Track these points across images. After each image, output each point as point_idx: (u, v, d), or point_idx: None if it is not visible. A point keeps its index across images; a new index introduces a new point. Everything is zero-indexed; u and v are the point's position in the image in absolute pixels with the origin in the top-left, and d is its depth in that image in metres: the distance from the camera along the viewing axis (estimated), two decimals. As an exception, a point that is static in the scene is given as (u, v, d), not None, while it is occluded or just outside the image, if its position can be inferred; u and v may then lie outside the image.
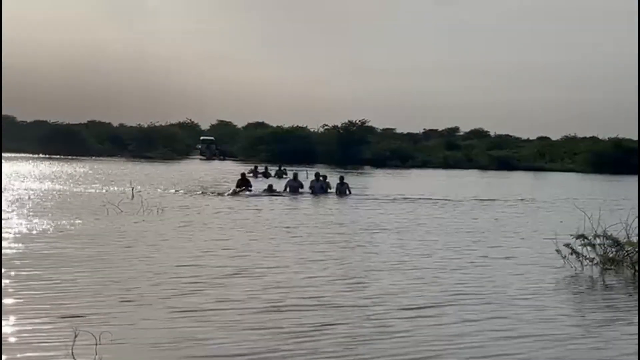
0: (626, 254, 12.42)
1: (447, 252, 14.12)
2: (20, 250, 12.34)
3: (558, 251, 12.46)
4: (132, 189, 23.80)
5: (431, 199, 27.06)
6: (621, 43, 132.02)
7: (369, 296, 9.80)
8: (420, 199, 26.92)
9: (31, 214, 18.14)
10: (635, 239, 12.51)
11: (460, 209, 23.52)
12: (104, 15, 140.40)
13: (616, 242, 12.44)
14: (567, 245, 12.41)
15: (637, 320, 8.90)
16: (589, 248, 12.49)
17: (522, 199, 28.14)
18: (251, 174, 36.17)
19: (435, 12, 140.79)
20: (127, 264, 11.57)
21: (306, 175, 33.23)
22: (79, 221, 16.83)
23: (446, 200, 26.82)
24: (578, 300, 10.40)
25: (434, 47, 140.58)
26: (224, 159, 71.07)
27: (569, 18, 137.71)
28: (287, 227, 17.14)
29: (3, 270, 10.09)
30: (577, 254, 12.35)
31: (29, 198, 22.52)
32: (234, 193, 26.20)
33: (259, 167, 39.19)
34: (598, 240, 12.53)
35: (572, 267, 12.29)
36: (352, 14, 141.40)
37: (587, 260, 12.38)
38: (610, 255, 12.51)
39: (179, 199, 24.06)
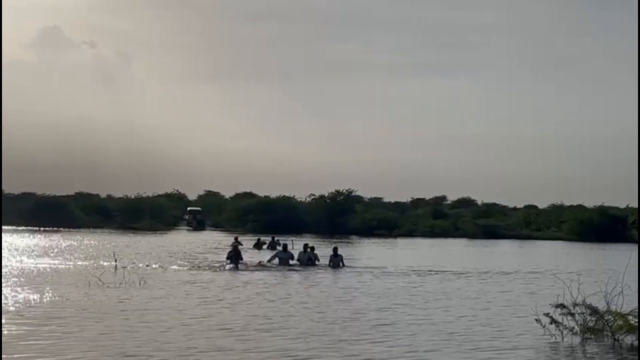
0: (606, 323, 12.45)
1: (426, 321, 14.12)
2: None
3: (538, 320, 12.49)
4: (115, 262, 23.73)
5: (414, 270, 26.71)
6: (609, 113, 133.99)
7: None
8: (404, 271, 26.28)
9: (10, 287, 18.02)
10: (614, 308, 12.55)
11: (443, 279, 23.46)
12: (91, 88, 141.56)
13: (595, 311, 12.49)
14: (546, 314, 12.44)
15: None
16: (568, 317, 12.53)
17: (503, 271, 27.70)
18: (232, 246, 35.70)
19: (419, 85, 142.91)
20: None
21: (292, 245, 32.93)
22: (58, 295, 16.76)
23: (431, 271, 26.35)
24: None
25: (421, 120, 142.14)
26: (202, 229, 71.34)
27: (556, 90, 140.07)
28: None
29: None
30: (557, 323, 12.37)
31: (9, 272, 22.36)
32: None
33: (239, 238, 38.61)
34: (577, 309, 12.57)
35: (552, 336, 12.30)
36: (338, 87, 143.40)
37: (567, 330, 12.40)
38: (590, 324, 12.54)
39: (164, 272, 23.89)
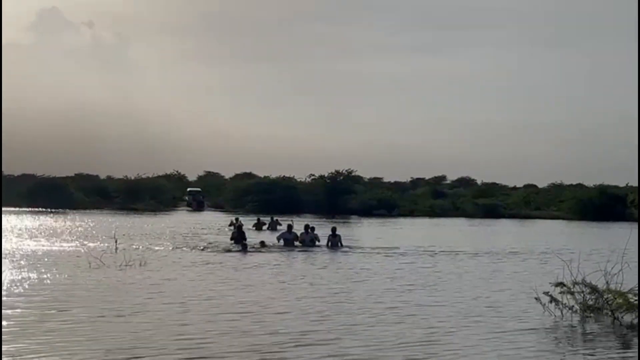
0: (605, 301, 12.49)
1: (427, 301, 14.16)
2: None
3: (537, 299, 12.52)
4: (116, 242, 23.76)
5: (418, 250, 26.53)
6: (607, 96, 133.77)
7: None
8: (412, 251, 26.00)
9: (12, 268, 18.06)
10: (613, 287, 12.59)
11: (447, 259, 23.47)
12: (89, 68, 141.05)
13: (595, 290, 12.52)
14: (546, 293, 12.47)
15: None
16: (568, 296, 12.57)
17: (503, 250, 27.64)
18: (232, 227, 35.87)
19: (419, 66, 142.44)
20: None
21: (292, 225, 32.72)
22: (60, 275, 16.80)
23: (433, 251, 26.20)
24: (559, 349, 10.41)
25: (421, 100, 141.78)
26: (202, 210, 71.52)
27: (555, 70, 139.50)
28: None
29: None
30: (557, 301, 12.41)
31: (9, 254, 22.39)
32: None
33: (240, 219, 38.50)
34: (577, 288, 12.61)
35: (552, 314, 12.34)
36: (338, 68, 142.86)
37: (567, 308, 12.44)
38: (590, 303, 12.58)
39: (164, 253, 23.90)
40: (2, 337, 9.74)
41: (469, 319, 12.30)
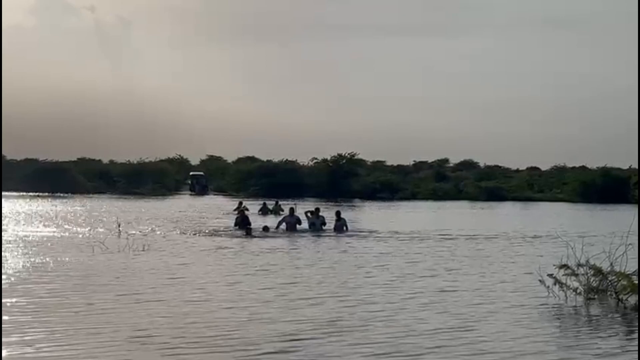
0: (609, 283, 12.46)
1: (433, 284, 14.15)
2: None
3: (541, 281, 12.49)
4: (119, 226, 23.77)
5: (419, 235, 26.14)
6: (610, 75, 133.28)
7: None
8: (427, 235, 25.51)
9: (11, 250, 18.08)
10: (618, 269, 12.55)
11: (450, 243, 23.40)
12: (91, 53, 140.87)
13: (599, 272, 12.48)
14: (550, 275, 12.44)
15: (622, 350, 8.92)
16: (572, 278, 12.53)
17: (505, 232, 27.37)
18: (235, 211, 35.81)
19: (423, 47, 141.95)
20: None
21: (296, 209, 32.58)
22: (66, 258, 16.82)
23: (449, 235, 25.73)
24: (562, 331, 10.39)
25: (422, 82, 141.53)
26: (205, 194, 71.55)
27: (558, 51, 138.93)
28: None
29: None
30: (561, 283, 12.38)
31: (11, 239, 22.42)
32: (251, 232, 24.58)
33: (243, 204, 38.42)
34: (581, 270, 12.57)
35: (556, 297, 12.31)
36: (339, 50, 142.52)
37: (571, 290, 12.41)
38: (594, 285, 12.55)
39: (169, 237, 23.86)
40: (6, 328, 9.71)
41: (496, 305, 12.13)
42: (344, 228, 26.01)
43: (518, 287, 13.87)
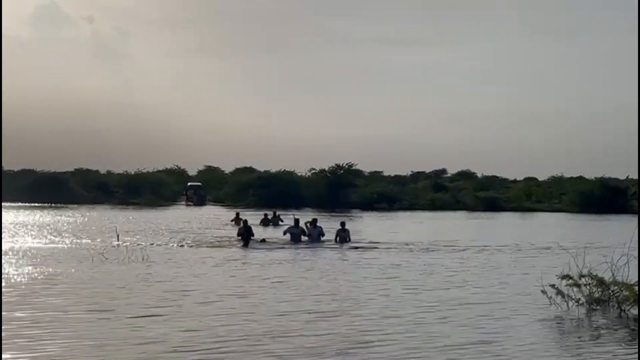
0: (612, 293, 12.42)
1: (432, 295, 14.10)
2: None
3: (543, 292, 12.45)
4: (118, 237, 23.69)
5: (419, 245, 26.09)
6: (607, 86, 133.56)
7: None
8: (435, 246, 25.33)
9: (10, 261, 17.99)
10: (620, 279, 12.51)
11: (475, 255, 22.95)
12: (89, 64, 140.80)
13: (601, 282, 12.45)
14: (552, 285, 12.40)
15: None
16: (574, 288, 12.50)
17: (505, 245, 26.96)
18: (232, 222, 35.67)
19: (418, 59, 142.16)
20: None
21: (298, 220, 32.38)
22: (60, 269, 16.75)
23: (458, 246, 25.48)
24: (564, 342, 10.35)
25: (420, 94, 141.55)
26: (203, 204, 71.37)
27: (555, 62, 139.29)
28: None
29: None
30: (563, 294, 12.34)
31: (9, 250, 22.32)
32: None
33: (240, 214, 38.22)
34: (583, 281, 12.53)
35: (558, 307, 12.27)
36: (338, 61, 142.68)
37: (573, 301, 12.37)
38: (596, 295, 12.50)
39: (168, 249, 23.77)
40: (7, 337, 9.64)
41: (475, 301, 12.18)
42: (347, 239, 25.78)
43: (520, 296, 13.81)
